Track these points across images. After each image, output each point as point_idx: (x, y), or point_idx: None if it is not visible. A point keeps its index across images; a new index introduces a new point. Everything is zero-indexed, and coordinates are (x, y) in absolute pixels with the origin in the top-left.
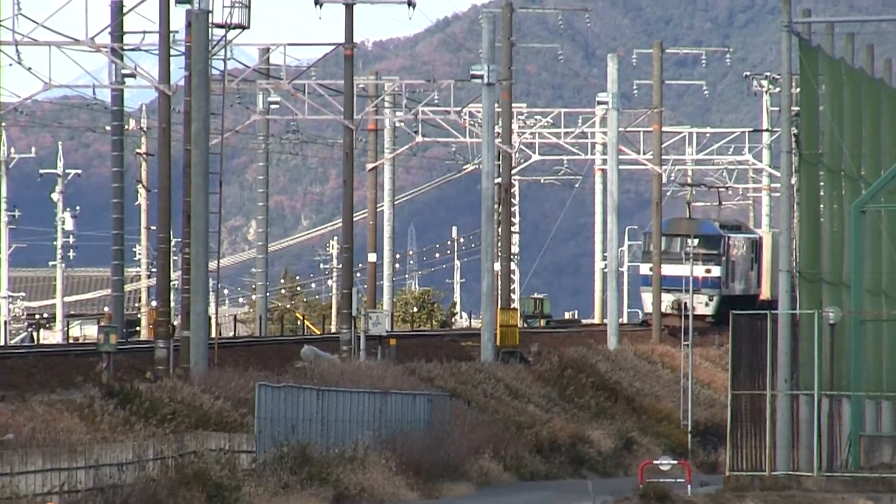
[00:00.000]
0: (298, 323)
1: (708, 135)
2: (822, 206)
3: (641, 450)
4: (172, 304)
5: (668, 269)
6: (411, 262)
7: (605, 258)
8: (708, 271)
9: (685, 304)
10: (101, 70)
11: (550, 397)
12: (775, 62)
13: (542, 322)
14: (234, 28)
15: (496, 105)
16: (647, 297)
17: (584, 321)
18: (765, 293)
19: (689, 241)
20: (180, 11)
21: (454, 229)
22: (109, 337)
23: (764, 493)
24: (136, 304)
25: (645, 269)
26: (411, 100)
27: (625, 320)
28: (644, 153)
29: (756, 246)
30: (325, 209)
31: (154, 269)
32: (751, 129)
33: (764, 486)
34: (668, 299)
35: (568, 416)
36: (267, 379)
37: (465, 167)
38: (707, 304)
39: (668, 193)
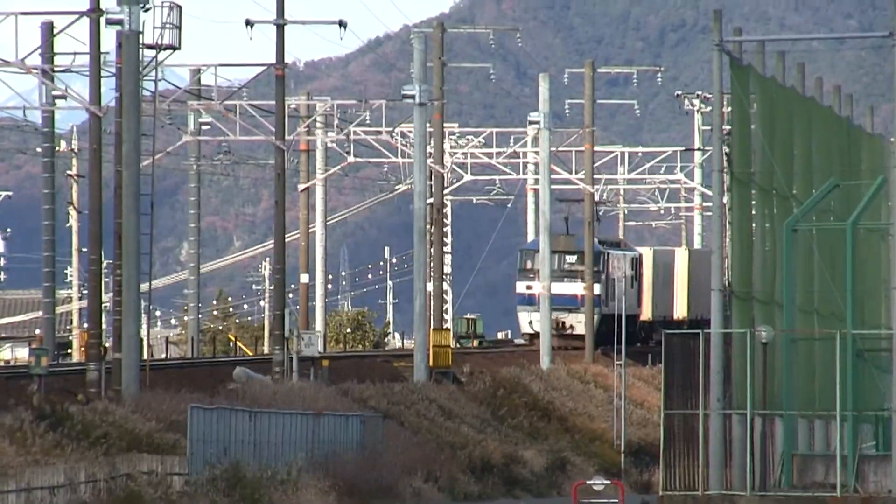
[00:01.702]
0: (231, 344)
1: (640, 154)
2: (753, 224)
3: (575, 470)
4: (104, 326)
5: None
6: (344, 282)
7: None
8: (587, 289)
9: (563, 322)
10: (31, 91)
11: (483, 417)
12: (707, 81)
13: (475, 342)
14: (164, 49)
15: (428, 125)
16: (524, 317)
17: (516, 341)
18: (645, 313)
19: (567, 257)
20: (111, 32)
21: (387, 249)
22: (41, 359)
23: None
24: (68, 327)
25: (521, 287)
26: (343, 120)
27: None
28: (576, 173)
29: (636, 264)
30: (258, 230)
31: (85, 291)
32: (682, 149)
33: None
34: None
35: (501, 437)
36: (199, 400)
37: (397, 187)
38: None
39: (601, 213)
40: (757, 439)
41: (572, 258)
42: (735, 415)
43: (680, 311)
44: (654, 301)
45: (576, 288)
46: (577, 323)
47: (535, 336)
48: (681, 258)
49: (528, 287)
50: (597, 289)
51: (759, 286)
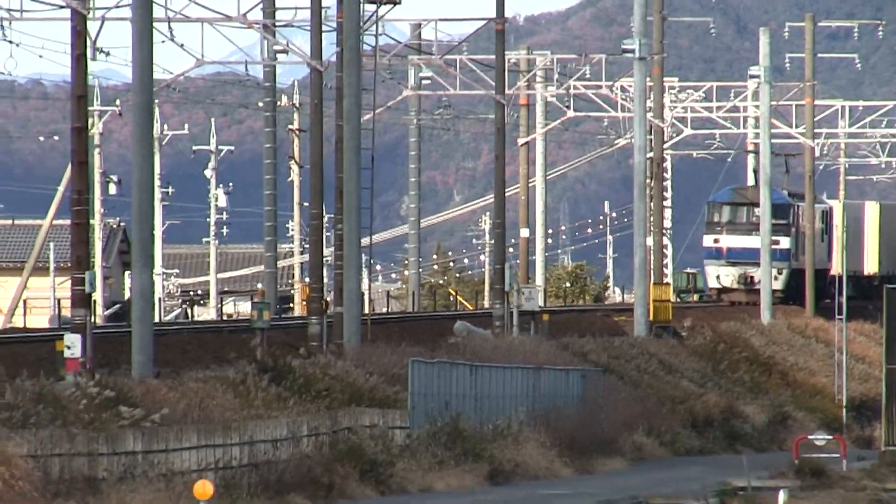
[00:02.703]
0: (451, 298)
1: (860, 108)
2: None
3: (796, 425)
4: (325, 280)
5: (734, 241)
6: (564, 237)
7: None
8: (776, 242)
9: (752, 277)
10: (253, 46)
11: (704, 372)
12: None
13: (695, 297)
14: (385, 3)
15: (648, 79)
16: (711, 271)
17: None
18: (835, 267)
19: (756, 209)
20: None
21: (606, 204)
22: (263, 313)
23: None
24: (290, 281)
25: (708, 240)
26: (563, 74)
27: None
28: (796, 127)
29: (826, 217)
30: (478, 184)
31: (307, 246)
32: None
33: None
34: (734, 273)
35: (721, 391)
36: (420, 354)
37: (616, 142)
38: (776, 278)
39: (821, 167)
40: None
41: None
42: None
43: (871, 266)
44: (843, 255)
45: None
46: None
47: (722, 291)
48: (871, 212)
49: (716, 241)
50: (787, 242)
51: None
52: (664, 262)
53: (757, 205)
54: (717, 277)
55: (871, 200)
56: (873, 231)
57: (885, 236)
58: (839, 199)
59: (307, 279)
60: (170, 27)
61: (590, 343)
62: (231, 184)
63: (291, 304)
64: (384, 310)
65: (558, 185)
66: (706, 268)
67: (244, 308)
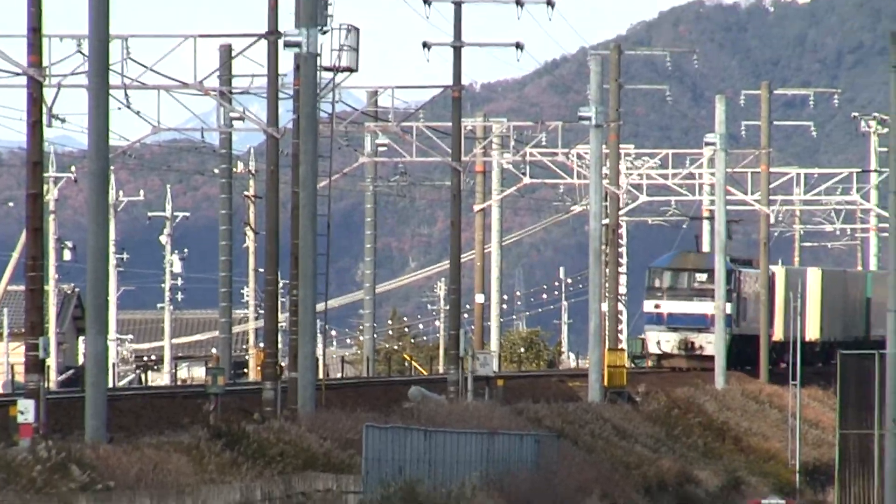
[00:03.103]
0: (406, 364)
1: (816, 175)
2: None
3: (749, 490)
4: (280, 345)
5: (675, 306)
6: (519, 303)
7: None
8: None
9: (692, 343)
10: (209, 113)
11: (658, 437)
12: (884, 103)
13: (650, 362)
14: (342, 71)
15: (604, 146)
16: (652, 336)
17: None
18: (777, 334)
19: (697, 275)
20: (288, 55)
21: (561, 270)
22: (217, 379)
23: None
24: (244, 346)
25: (649, 306)
26: (519, 141)
27: None
28: (752, 194)
29: (769, 282)
30: (433, 251)
31: (262, 311)
32: (859, 170)
33: None
34: (674, 339)
35: (675, 456)
36: (374, 419)
37: (572, 208)
38: (713, 343)
39: (776, 234)
40: None
41: (702, 276)
42: None
43: (812, 332)
44: (785, 321)
45: (706, 307)
46: (707, 343)
47: (662, 356)
48: (813, 278)
49: (657, 306)
50: (728, 308)
51: None
52: (619, 327)
53: (697, 270)
54: (658, 343)
55: (814, 267)
56: (815, 297)
57: (827, 302)
58: (781, 265)
59: (262, 345)
60: (126, 94)
61: (544, 408)
62: (186, 250)
63: (246, 370)
64: (339, 375)
65: (514, 251)
66: (647, 333)
67: (199, 373)
